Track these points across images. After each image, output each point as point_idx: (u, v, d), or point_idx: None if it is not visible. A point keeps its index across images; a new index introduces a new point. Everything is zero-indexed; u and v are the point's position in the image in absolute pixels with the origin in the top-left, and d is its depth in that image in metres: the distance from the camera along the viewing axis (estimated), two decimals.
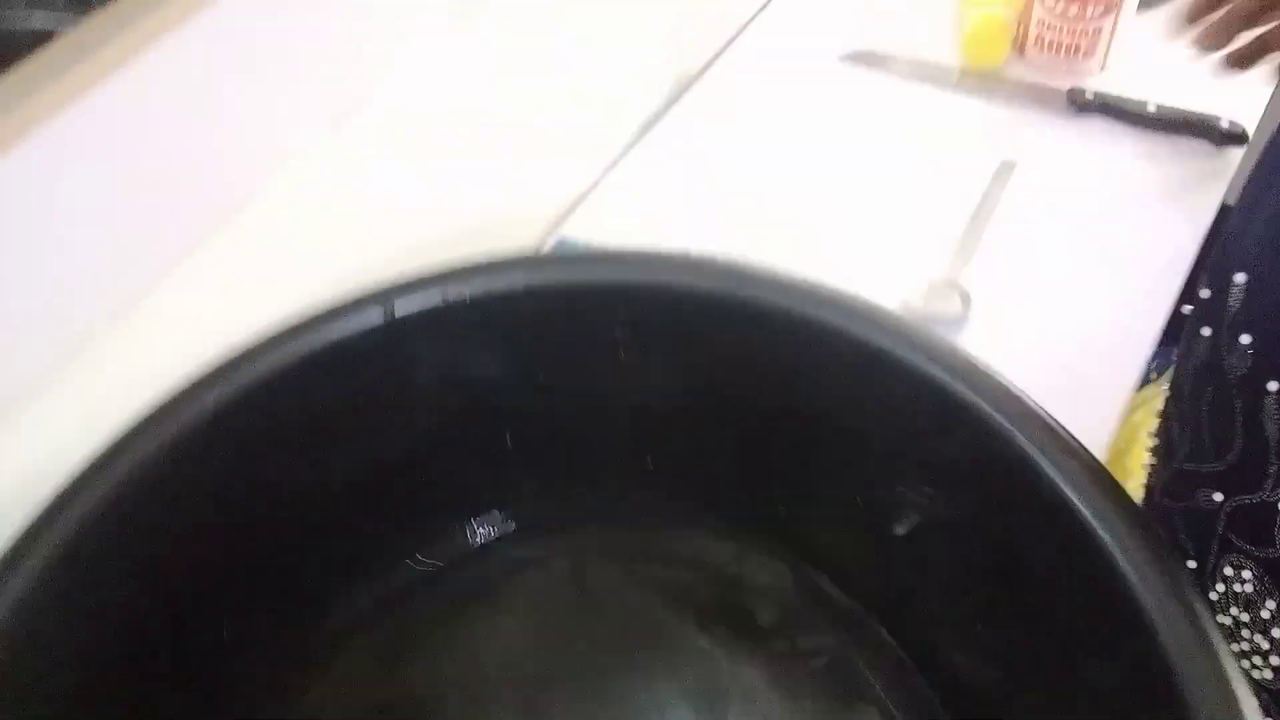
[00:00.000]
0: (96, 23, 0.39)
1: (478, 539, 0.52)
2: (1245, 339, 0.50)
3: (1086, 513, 0.36)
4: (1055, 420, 0.40)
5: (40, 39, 0.38)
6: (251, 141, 0.45)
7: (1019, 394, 0.40)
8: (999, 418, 0.40)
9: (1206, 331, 0.53)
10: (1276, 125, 0.53)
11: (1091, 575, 0.37)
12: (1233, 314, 0.51)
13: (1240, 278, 0.50)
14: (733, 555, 0.52)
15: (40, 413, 0.43)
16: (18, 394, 0.40)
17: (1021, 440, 0.39)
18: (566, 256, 0.48)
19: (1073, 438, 0.39)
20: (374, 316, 0.45)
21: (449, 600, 0.51)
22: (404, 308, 0.46)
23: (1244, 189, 0.54)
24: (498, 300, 0.46)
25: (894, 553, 0.47)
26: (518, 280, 0.46)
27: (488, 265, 0.47)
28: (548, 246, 0.71)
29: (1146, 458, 0.64)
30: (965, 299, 0.64)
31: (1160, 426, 0.62)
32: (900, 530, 0.46)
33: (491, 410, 0.49)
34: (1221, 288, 0.52)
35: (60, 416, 0.44)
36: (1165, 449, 0.60)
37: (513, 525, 0.53)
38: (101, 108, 0.38)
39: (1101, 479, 0.38)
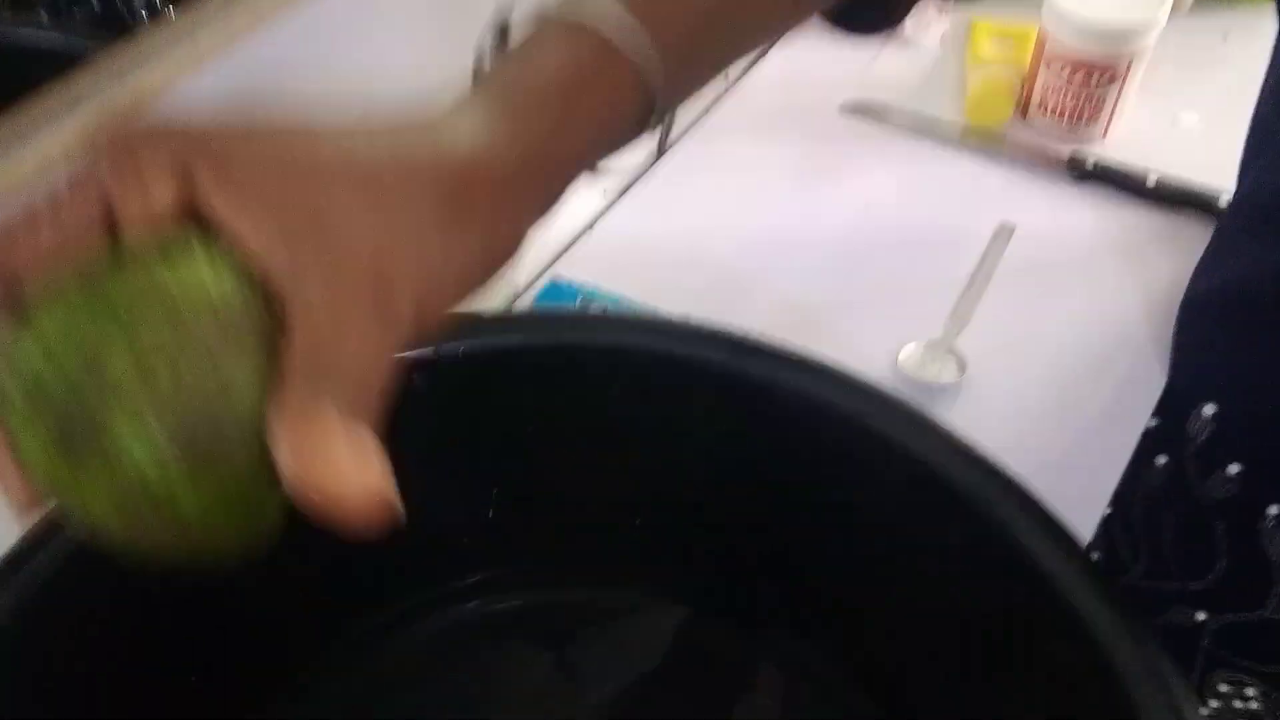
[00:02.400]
0: None
1: (454, 599, 0.51)
2: (1234, 468, 0.51)
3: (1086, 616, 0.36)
4: (1054, 515, 0.39)
5: None
6: None
7: (1021, 486, 0.39)
8: (996, 509, 0.39)
9: (1162, 460, 0.55)
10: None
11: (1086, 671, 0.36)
12: (1199, 443, 0.52)
13: (1209, 409, 0.51)
14: (723, 637, 0.51)
15: None
16: None
17: (1020, 535, 0.38)
18: (567, 316, 0.47)
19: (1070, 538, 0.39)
20: None
21: (421, 662, 0.50)
22: None
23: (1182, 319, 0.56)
24: (492, 356, 0.45)
25: (890, 631, 0.47)
26: (514, 339, 0.45)
27: (486, 320, 0.46)
28: (538, 287, 0.70)
29: None
30: (961, 364, 0.64)
31: (1095, 540, 0.64)
32: (897, 611, 0.45)
33: (478, 468, 0.48)
34: (1173, 418, 0.53)
35: None
36: (1108, 563, 0.61)
37: (492, 585, 0.52)
38: None
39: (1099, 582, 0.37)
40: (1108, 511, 0.64)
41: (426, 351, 0.45)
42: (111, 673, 0.41)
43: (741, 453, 0.46)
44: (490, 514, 0.51)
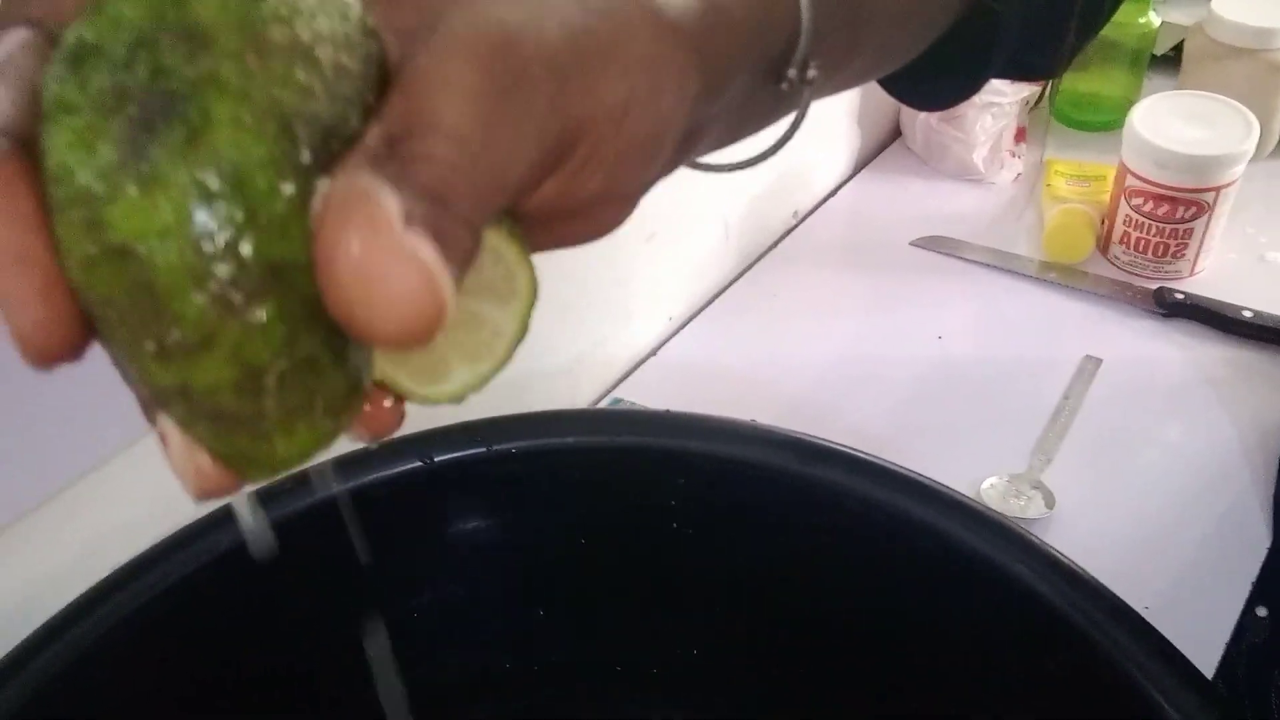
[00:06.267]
0: None
1: None
2: None
3: None
4: (1170, 644, 0.34)
5: None
6: None
7: (1131, 612, 0.35)
8: (1105, 637, 0.34)
9: (1263, 612, 0.49)
10: None
11: None
12: None
13: None
14: None
15: None
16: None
17: (1131, 667, 0.34)
18: (623, 414, 0.45)
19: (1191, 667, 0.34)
20: (411, 462, 0.42)
21: None
22: (444, 455, 0.42)
23: None
24: (545, 456, 0.43)
25: None
26: (568, 437, 0.43)
27: (537, 417, 0.44)
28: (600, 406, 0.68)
29: None
30: (1049, 498, 0.59)
31: None
32: None
33: (527, 573, 0.45)
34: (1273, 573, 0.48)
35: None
36: None
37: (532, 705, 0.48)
38: None
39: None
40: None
41: (477, 449, 0.43)
42: None
43: (813, 574, 0.42)
44: (535, 637, 0.47)
